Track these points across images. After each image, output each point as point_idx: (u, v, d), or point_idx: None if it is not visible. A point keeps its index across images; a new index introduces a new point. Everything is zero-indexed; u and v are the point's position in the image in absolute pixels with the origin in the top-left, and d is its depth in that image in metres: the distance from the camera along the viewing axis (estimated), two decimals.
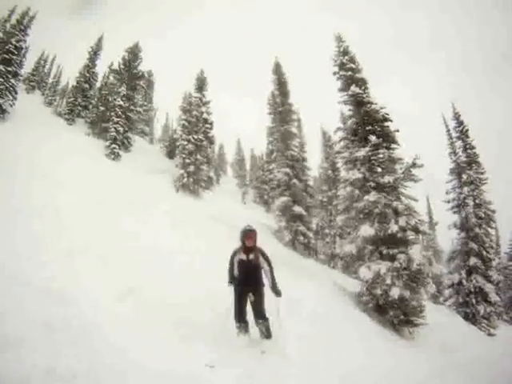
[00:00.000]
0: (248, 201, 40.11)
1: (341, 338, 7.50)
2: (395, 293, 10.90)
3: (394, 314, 11.42)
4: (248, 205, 37.68)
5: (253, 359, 5.37)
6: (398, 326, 11.49)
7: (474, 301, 21.15)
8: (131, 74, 30.26)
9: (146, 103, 41.55)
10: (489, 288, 21.50)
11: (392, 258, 11.44)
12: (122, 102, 27.88)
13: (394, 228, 11.48)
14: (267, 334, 6.04)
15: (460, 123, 24.51)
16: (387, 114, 13.18)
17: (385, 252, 11.72)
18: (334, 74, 14.17)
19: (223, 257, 6.45)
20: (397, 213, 11.89)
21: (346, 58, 14.02)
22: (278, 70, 26.02)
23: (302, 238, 22.05)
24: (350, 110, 13.85)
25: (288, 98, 25.33)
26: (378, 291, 11.30)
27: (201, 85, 27.72)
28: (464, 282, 21.75)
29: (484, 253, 22.08)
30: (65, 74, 46.58)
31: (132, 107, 29.00)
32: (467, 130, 24.37)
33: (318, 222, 26.81)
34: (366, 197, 12.17)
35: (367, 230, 11.85)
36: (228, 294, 6.13)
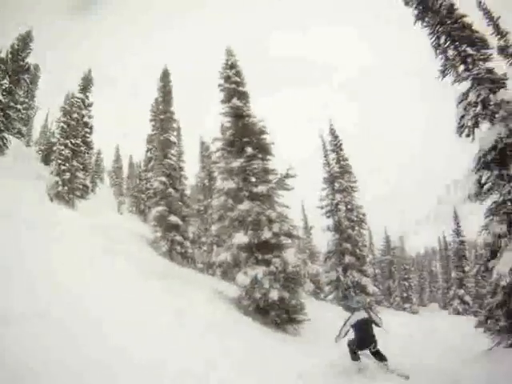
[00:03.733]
0: (124, 210, 38.90)
1: (231, 340, 8.40)
2: (274, 295, 11.86)
3: (276, 313, 12.39)
4: (124, 215, 36.58)
5: None
6: (281, 324, 12.51)
7: (353, 294, 23.48)
8: (17, 66, 26.56)
9: (27, 100, 37.50)
10: (365, 281, 24.40)
11: (268, 263, 12.41)
12: (1, 97, 24.89)
13: (267, 234, 12.48)
14: None
15: (335, 137, 27.78)
16: (264, 127, 14.25)
17: (260, 257, 12.65)
18: (219, 86, 14.78)
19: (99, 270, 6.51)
20: (270, 220, 12.91)
21: (233, 71, 14.73)
22: (164, 77, 26.01)
23: (178, 247, 22.11)
24: (228, 121, 14.54)
25: (170, 106, 25.36)
26: (258, 295, 12.11)
27: (86, 85, 25.56)
28: (341, 277, 24.36)
29: (358, 251, 25.12)
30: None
31: (12, 104, 25.93)
32: (341, 144, 27.73)
33: (194, 231, 27.06)
34: (240, 206, 12.98)
35: (241, 237, 12.63)
36: None
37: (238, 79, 14.65)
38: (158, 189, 22.69)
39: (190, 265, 23.29)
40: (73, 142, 23.42)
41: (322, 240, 27.91)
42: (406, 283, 46.19)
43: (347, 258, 24.43)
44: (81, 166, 23.78)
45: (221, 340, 8.30)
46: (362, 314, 8.47)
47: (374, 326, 8.48)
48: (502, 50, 13.72)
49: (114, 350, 5.90)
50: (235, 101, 14.17)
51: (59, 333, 5.67)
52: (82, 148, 24.14)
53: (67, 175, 22.57)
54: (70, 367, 4.91)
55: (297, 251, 13.66)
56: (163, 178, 22.69)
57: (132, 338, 6.63)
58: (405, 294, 45.73)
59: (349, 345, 8.54)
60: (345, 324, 8.46)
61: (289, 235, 13.17)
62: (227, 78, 14.60)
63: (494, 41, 12.98)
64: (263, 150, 14.11)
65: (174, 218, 22.00)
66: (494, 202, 11.10)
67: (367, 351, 8.40)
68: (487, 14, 13.56)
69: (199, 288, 12.98)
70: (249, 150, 13.64)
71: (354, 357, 8.48)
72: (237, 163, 13.54)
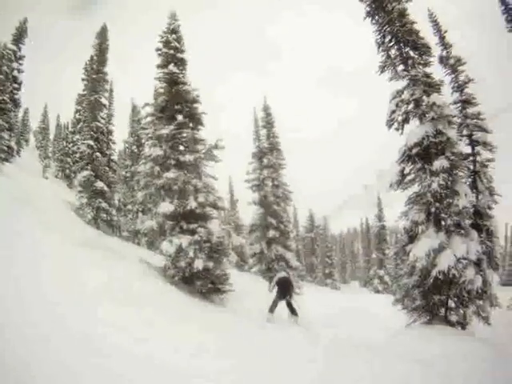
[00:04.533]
0: (50, 175, 37.14)
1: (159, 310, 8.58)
2: (199, 264, 12.06)
3: (201, 283, 12.64)
4: (50, 180, 34.96)
5: None
6: (207, 294, 12.85)
7: (276, 267, 24.39)
8: None
9: None
10: (289, 255, 25.46)
11: (193, 232, 12.54)
12: None
13: (193, 204, 12.56)
14: None
15: (268, 114, 28.27)
16: (198, 96, 14.07)
17: (185, 227, 12.75)
18: (157, 50, 14.32)
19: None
20: (196, 190, 13.02)
21: (173, 36, 14.28)
22: (102, 34, 24.59)
23: (104, 215, 21.65)
24: (162, 87, 14.25)
25: (105, 67, 24.13)
26: (183, 264, 12.25)
27: (19, 35, 23.52)
28: (265, 251, 25.18)
29: (282, 226, 26.00)
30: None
31: None
32: (273, 122, 28.29)
33: (120, 198, 26.61)
34: (167, 174, 12.91)
35: (167, 206, 12.67)
36: None
37: (178, 45, 14.29)
38: (84, 152, 21.84)
39: (115, 233, 22.99)
40: None
41: (247, 214, 28.58)
42: (329, 260, 48.52)
43: (271, 233, 25.19)
44: (6, 126, 22.07)
45: (140, 310, 8.25)
46: (283, 274, 12.44)
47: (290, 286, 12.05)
48: (442, 60, 14.63)
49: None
50: (172, 67, 13.87)
51: None
52: (8, 105, 22.23)
53: None
54: None
55: (222, 222, 13.89)
56: (90, 142, 21.84)
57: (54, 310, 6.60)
58: (327, 271, 48.07)
59: (274, 298, 11.83)
60: (273, 281, 12.21)
61: (214, 206, 13.40)
62: (167, 43, 14.17)
63: (436, 51, 13.80)
64: (194, 119, 14.02)
65: (100, 184, 21.40)
66: (415, 193, 12.13)
67: (284, 301, 11.78)
68: (436, 25, 14.36)
69: (123, 258, 12.87)
70: (179, 117, 13.51)
71: (272, 308, 11.66)
72: (166, 130, 13.38)
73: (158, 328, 7.48)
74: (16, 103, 23.75)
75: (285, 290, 11.84)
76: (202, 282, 12.63)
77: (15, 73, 23.21)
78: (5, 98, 21.93)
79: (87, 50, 26.26)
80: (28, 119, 50.55)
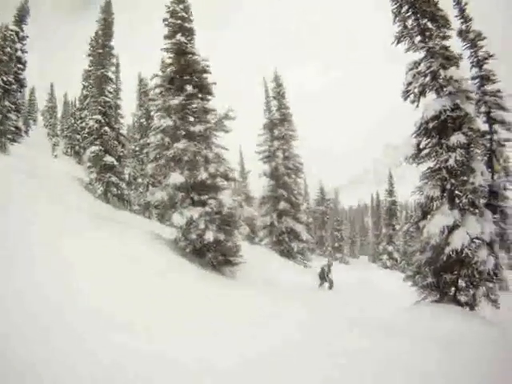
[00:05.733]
0: (59, 153, 37.25)
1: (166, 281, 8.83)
2: (210, 236, 12.04)
3: (213, 255, 12.71)
4: (59, 157, 35.12)
5: None
6: (218, 266, 12.89)
7: (287, 239, 24.83)
8: None
9: None
10: (299, 228, 25.41)
11: (203, 204, 12.55)
12: None
13: (203, 175, 12.51)
14: None
15: (279, 85, 27.73)
16: (208, 66, 13.88)
17: (196, 198, 12.78)
18: (164, 20, 14.02)
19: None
20: (207, 161, 12.97)
21: (181, 6, 13.98)
22: (106, 9, 24.18)
23: (114, 189, 21.74)
24: (170, 57, 13.98)
25: (111, 41, 23.82)
26: (193, 236, 12.26)
27: (22, 16, 23.29)
28: (276, 223, 25.17)
29: (293, 198, 25.85)
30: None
31: None
32: (284, 92, 27.75)
33: (130, 172, 26.55)
34: (176, 144, 12.79)
35: (177, 177, 12.59)
36: None
37: (185, 15, 14.00)
38: (92, 127, 21.77)
39: (126, 207, 23.05)
40: (4, 79, 21.33)
41: (258, 186, 28.36)
42: (338, 234, 48.55)
43: (282, 205, 25.09)
44: (13, 107, 22.03)
45: (157, 281, 8.50)
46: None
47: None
48: (461, 34, 14.16)
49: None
50: (179, 37, 13.60)
51: None
52: (13, 86, 22.20)
53: None
54: None
55: (233, 193, 13.78)
56: (99, 117, 21.81)
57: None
58: (336, 244, 48.15)
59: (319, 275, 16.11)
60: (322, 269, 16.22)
61: (225, 177, 13.32)
62: (173, 13, 13.86)
63: (456, 24, 13.44)
64: (204, 89, 13.85)
65: (109, 159, 21.42)
66: (429, 168, 11.93)
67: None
68: None
69: (135, 231, 12.89)
70: (189, 88, 13.32)
71: (320, 282, 16.05)
72: (175, 101, 13.21)
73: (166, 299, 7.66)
74: (21, 83, 23.69)
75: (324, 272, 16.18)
76: (213, 254, 12.70)
77: (19, 53, 23.00)
78: (10, 78, 21.88)
79: (93, 26, 25.71)
80: (35, 99, 50.58)
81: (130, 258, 9.26)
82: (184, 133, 13.24)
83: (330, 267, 16.25)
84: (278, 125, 26.75)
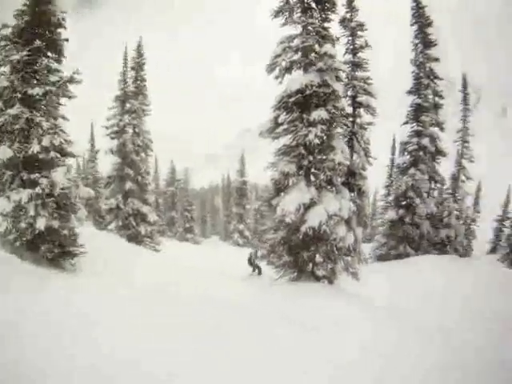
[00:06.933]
0: None
1: None
2: (41, 224, 9.91)
3: (47, 248, 10.38)
4: None
5: None
6: (54, 260, 10.64)
7: (134, 223, 23.09)
8: None
9: None
10: (147, 210, 23.73)
11: (34, 184, 10.23)
12: None
13: (35, 148, 10.24)
14: None
15: (140, 55, 25.34)
16: (63, 20, 11.24)
17: (26, 177, 10.39)
18: None
19: None
20: (43, 131, 10.60)
21: None
22: None
23: None
24: (25, 4, 10.98)
25: None
26: (23, 225, 10.01)
27: None
28: (121, 205, 23.17)
29: (140, 178, 23.93)
30: None
31: None
32: (143, 64, 25.49)
33: None
34: (9, 110, 10.32)
35: (5, 151, 10.13)
36: None
37: None
38: None
39: None
40: None
41: (108, 166, 25.57)
42: (189, 215, 48.14)
43: (128, 185, 23.09)
44: None
45: None
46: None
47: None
48: (344, 21, 14.64)
49: None
50: None
51: None
52: None
53: None
54: None
55: (68, 172, 11.45)
56: None
57: None
58: (187, 225, 47.85)
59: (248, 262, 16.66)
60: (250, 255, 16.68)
61: (61, 151, 10.94)
62: None
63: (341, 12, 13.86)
64: (53, 46, 11.23)
65: None
66: (285, 145, 11.79)
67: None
68: None
69: None
70: (37, 42, 10.79)
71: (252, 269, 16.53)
72: (17, 56, 10.47)
73: None
74: None
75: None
76: (47, 245, 10.40)
77: None
78: None
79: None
80: None
81: None
82: (20, 96, 10.56)
83: (256, 253, 16.36)
84: (132, 97, 24.33)
